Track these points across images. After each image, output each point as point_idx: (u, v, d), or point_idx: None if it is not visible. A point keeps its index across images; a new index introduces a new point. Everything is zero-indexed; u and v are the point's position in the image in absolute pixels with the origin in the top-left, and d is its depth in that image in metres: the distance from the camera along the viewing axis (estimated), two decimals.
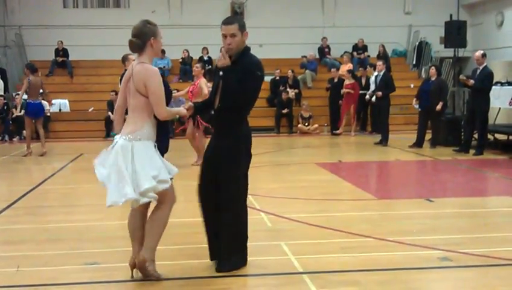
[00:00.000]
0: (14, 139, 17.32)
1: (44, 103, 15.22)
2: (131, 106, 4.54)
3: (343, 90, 17.38)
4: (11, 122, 17.68)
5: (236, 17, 4.80)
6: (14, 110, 17.69)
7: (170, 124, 17.58)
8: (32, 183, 9.39)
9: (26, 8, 21.22)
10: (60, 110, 18.93)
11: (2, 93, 18.70)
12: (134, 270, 4.64)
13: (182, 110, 4.85)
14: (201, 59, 18.94)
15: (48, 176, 10.30)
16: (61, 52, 20.71)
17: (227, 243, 4.82)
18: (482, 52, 12.40)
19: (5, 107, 17.79)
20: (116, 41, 19.78)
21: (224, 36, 4.72)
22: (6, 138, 17.48)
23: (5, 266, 5.09)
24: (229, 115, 4.74)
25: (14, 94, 18.45)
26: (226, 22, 4.75)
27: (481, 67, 12.23)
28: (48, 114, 16.86)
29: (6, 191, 9.43)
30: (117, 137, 4.52)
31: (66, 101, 19.10)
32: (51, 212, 7.58)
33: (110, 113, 16.84)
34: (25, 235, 6.27)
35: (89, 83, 20.00)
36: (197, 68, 11.29)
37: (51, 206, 8.03)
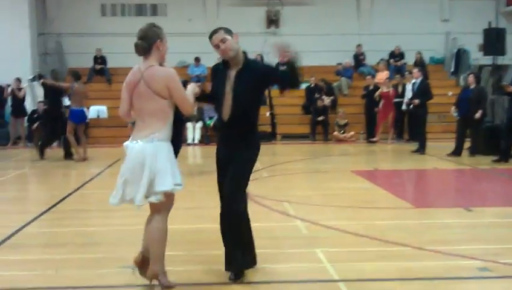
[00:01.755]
0: (54, 145, 17.60)
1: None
2: (147, 111, 4.43)
3: (377, 94, 17.32)
4: None
5: (220, 26, 4.81)
6: None
7: (204, 130, 17.71)
8: (71, 188, 9.54)
9: (66, 16, 21.63)
10: (98, 116, 19.21)
11: (42, 100, 19.06)
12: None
13: (194, 87, 4.78)
14: None
15: (87, 180, 10.46)
16: (100, 59, 21.04)
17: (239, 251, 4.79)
18: None
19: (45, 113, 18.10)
20: None
21: (216, 46, 4.71)
22: None
23: (44, 268, 5.18)
24: (245, 122, 4.75)
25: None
26: (213, 32, 4.75)
27: None
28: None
29: (46, 195, 9.60)
30: (130, 143, 4.48)
31: (104, 108, 19.37)
32: (89, 216, 7.69)
33: None
34: (63, 238, 6.37)
35: None
36: None
37: (89, 210, 8.15)
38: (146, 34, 4.49)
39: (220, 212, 4.81)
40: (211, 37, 4.74)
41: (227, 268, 4.84)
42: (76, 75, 13.49)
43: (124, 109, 4.62)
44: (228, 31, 4.75)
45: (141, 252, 4.64)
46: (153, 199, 4.38)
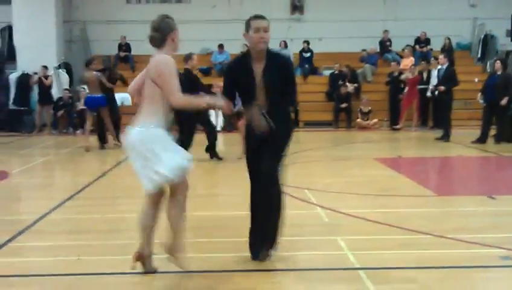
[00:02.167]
0: (78, 132, 17.81)
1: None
2: (145, 96, 4.54)
3: (404, 76, 17.26)
4: (75, 115, 18.21)
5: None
6: (78, 103, 18.27)
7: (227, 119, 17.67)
8: (95, 175, 9.64)
9: (90, 3, 21.78)
10: (122, 103, 19.30)
11: (68, 87, 19.31)
12: (138, 263, 4.67)
13: (219, 101, 4.81)
14: None
15: (110, 167, 10.56)
16: (124, 46, 21.17)
17: (274, 231, 4.90)
18: None
19: (70, 101, 18.36)
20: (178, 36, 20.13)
21: (257, 30, 4.72)
22: (71, 130, 18.07)
23: (66, 255, 5.25)
24: (281, 110, 4.89)
25: (78, 88, 19.03)
26: (260, 16, 4.80)
27: None
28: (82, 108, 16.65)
29: (70, 182, 9.74)
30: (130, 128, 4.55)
31: (128, 95, 19.46)
32: (112, 203, 7.77)
33: None
34: (87, 225, 6.45)
35: None
36: None
37: (112, 197, 8.23)
38: (159, 25, 4.54)
39: (252, 192, 4.85)
40: (255, 18, 4.76)
41: (257, 249, 4.88)
42: (86, 62, 13.53)
43: (132, 86, 4.79)
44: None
45: (139, 251, 4.66)
46: (180, 176, 4.43)
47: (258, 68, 4.80)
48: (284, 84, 4.85)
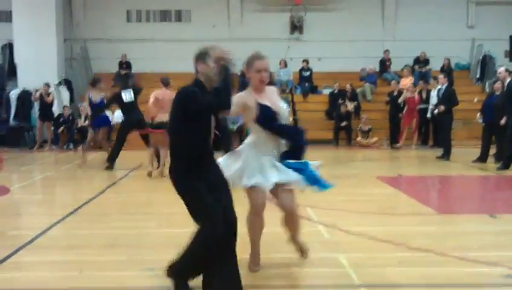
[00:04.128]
0: (79, 148, 17.82)
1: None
2: None
3: (401, 99, 17.35)
4: (75, 131, 18.26)
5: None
6: (79, 120, 18.32)
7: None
8: (95, 191, 9.62)
9: (91, 22, 21.94)
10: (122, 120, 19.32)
11: (68, 104, 19.37)
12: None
13: None
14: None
15: (110, 184, 10.54)
16: (125, 64, 21.26)
17: None
18: None
19: (71, 117, 18.41)
20: (178, 54, 20.18)
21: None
22: (71, 146, 18.09)
23: (68, 270, 5.24)
24: None
25: (79, 105, 19.08)
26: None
27: None
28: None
29: (71, 197, 9.72)
30: None
31: None
32: (111, 219, 7.73)
33: None
34: (87, 240, 6.42)
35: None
36: None
37: (111, 213, 8.20)
38: None
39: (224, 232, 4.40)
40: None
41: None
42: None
43: None
44: None
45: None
46: None
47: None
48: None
